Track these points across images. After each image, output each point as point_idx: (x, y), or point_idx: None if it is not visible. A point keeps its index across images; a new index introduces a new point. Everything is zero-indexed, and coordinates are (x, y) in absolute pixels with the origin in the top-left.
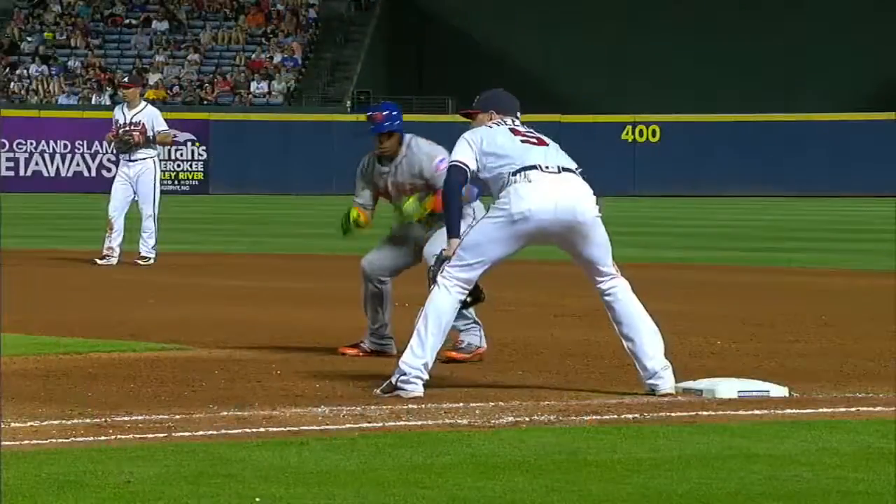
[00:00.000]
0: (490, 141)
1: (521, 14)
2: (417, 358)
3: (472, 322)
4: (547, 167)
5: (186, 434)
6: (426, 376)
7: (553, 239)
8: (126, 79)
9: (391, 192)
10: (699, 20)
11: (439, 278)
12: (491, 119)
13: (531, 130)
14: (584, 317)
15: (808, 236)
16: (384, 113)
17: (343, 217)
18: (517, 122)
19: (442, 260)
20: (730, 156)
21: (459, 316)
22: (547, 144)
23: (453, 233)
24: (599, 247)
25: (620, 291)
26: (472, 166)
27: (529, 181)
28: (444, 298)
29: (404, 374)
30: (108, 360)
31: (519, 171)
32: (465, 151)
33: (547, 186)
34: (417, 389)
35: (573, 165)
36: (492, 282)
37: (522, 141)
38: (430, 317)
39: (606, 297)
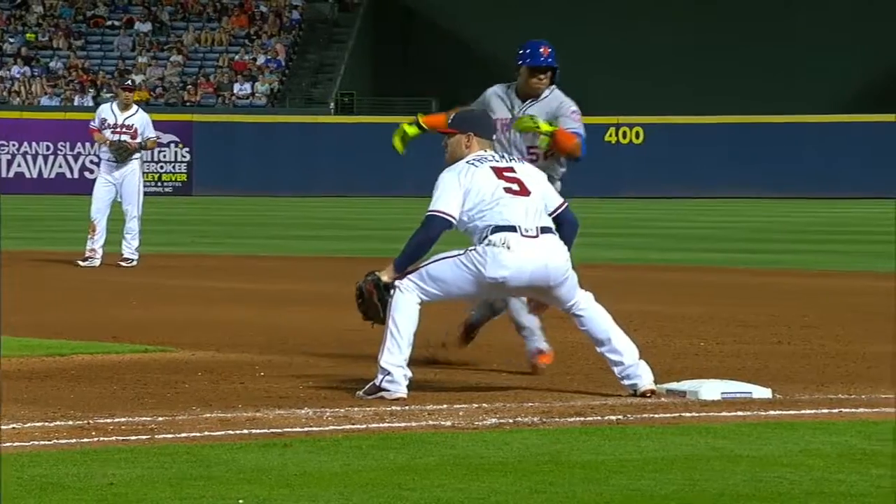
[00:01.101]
0: (475, 185)
1: (506, 15)
2: (397, 356)
3: (528, 329)
4: (527, 230)
5: (169, 436)
6: (411, 374)
7: (522, 292)
8: (129, 82)
9: (507, 122)
10: (682, 22)
11: (399, 283)
12: (469, 141)
13: (513, 167)
14: (567, 318)
15: (792, 238)
16: (550, 49)
17: (400, 131)
18: (495, 156)
19: (384, 286)
20: (713, 157)
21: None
22: (529, 193)
23: (398, 262)
24: (568, 291)
25: (584, 304)
26: (456, 216)
27: (508, 248)
28: (406, 302)
29: (389, 373)
30: (90, 362)
31: (499, 230)
32: (451, 197)
33: (524, 255)
34: (401, 390)
35: (549, 220)
36: None
37: (506, 189)
38: (398, 319)
39: (573, 314)
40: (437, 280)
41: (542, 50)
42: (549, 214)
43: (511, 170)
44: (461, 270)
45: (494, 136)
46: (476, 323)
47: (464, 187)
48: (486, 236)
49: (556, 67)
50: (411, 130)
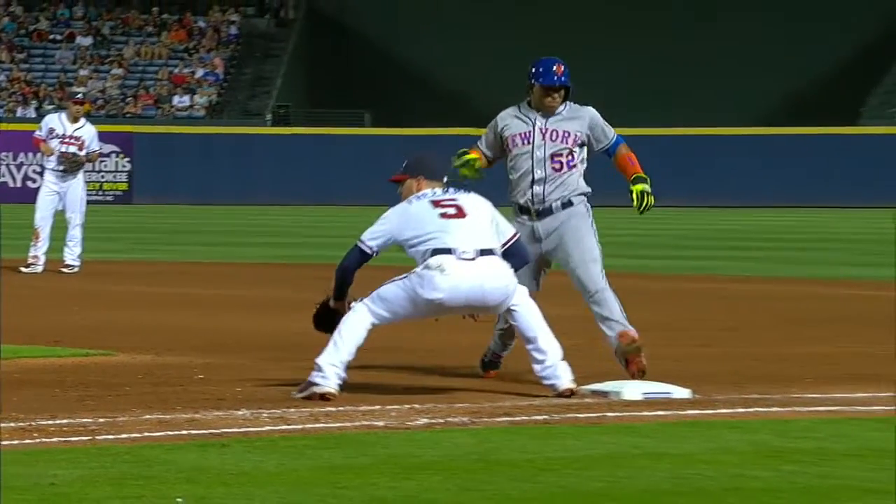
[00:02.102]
0: (412, 219)
1: (434, 31)
2: (333, 357)
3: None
4: (463, 252)
5: (110, 437)
6: (345, 375)
7: (465, 311)
8: (78, 95)
9: (528, 134)
10: (615, 39)
11: (358, 303)
12: (419, 185)
13: (455, 197)
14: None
15: (715, 245)
16: (564, 67)
17: (462, 156)
18: (438, 192)
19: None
20: (645, 167)
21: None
22: (465, 216)
23: (333, 291)
24: (507, 304)
25: (518, 300)
26: (374, 249)
27: (443, 271)
28: (355, 319)
29: (321, 369)
30: (33, 366)
31: (437, 253)
32: (378, 230)
33: (459, 277)
34: (331, 385)
35: (491, 242)
36: None
37: (441, 215)
38: (343, 329)
39: (507, 308)
40: (384, 301)
41: (555, 69)
42: (502, 245)
43: (452, 199)
44: (403, 292)
45: (518, 150)
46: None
47: (393, 223)
48: (426, 259)
49: (570, 86)
50: (477, 163)
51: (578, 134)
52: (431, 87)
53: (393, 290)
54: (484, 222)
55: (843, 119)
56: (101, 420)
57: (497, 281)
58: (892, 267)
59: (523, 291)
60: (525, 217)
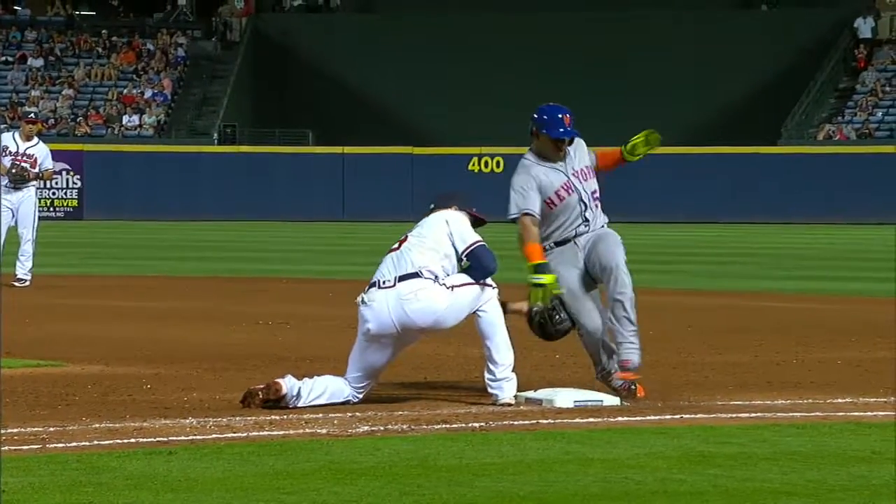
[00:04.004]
0: None
1: (371, 54)
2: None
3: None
4: (385, 282)
5: (60, 445)
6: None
7: (418, 336)
8: (31, 115)
9: (570, 183)
10: (542, 64)
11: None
12: None
13: (417, 227)
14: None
15: (639, 258)
16: (570, 116)
17: (541, 297)
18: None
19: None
20: None
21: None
22: (401, 245)
23: None
24: (459, 312)
25: (486, 307)
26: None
27: (365, 304)
28: (339, 382)
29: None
30: None
31: (368, 288)
32: None
33: (378, 305)
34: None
35: (425, 262)
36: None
37: (388, 251)
38: (323, 382)
39: (475, 312)
40: (352, 358)
41: (562, 119)
42: (461, 253)
43: (412, 231)
44: (357, 339)
45: (567, 200)
46: (601, 368)
47: None
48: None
49: (577, 134)
50: (549, 281)
51: (591, 164)
52: (369, 107)
53: (351, 353)
54: (428, 244)
55: (765, 139)
56: (51, 429)
57: (417, 303)
58: (804, 280)
59: (492, 298)
60: (565, 245)
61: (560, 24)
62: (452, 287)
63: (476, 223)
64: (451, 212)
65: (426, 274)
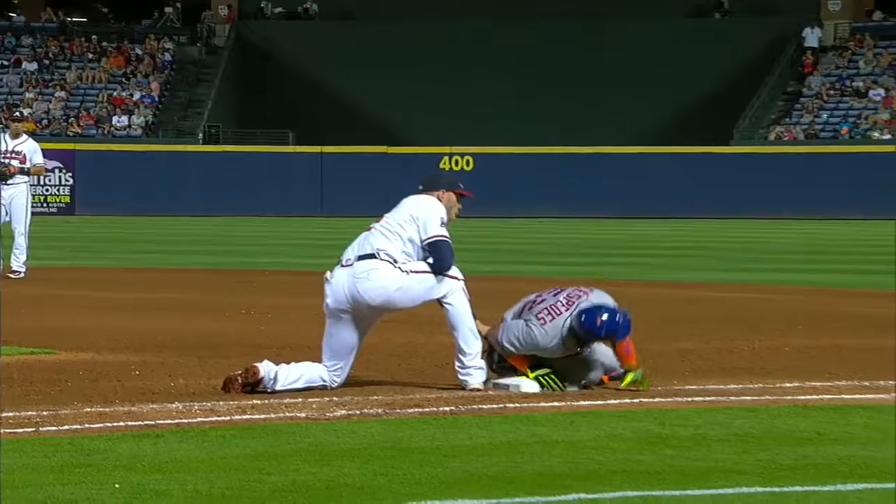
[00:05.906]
0: None
1: (350, 59)
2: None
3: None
4: (347, 260)
5: (53, 429)
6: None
7: (374, 314)
8: (17, 113)
9: None
10: (511, 66)
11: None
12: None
13: (392, 212)
14: (409, 322)
15: (599, 252)
16: None
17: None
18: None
19: None
20: (534, 182)
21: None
22: (370, 229)
23: None
24: (414, 299)
25: (451, 299)
26: None
27: (327, 280)
28: (316, 368)
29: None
30: None
31: (335, 266)
32: None
33: (336, 282)
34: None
35: (383, 245)
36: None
37: (365, 231)
38: (300, 367)
39: (443, 303)
40: (325, 342)
41: None
42: (423, 242)
43: (381, 216)
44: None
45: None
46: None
47: None
48: None
49: None
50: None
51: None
52: (346, 109)
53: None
54: (393, 227)
55: (719, 139)
56: (44, 413)
57: (368, 282)
58: (755, 272)
59: (458, 286)
60: None
61: (522, 34)
62: (409, 272)
63: (462, 199)
64: (427, 198)
65: (383, 256)
